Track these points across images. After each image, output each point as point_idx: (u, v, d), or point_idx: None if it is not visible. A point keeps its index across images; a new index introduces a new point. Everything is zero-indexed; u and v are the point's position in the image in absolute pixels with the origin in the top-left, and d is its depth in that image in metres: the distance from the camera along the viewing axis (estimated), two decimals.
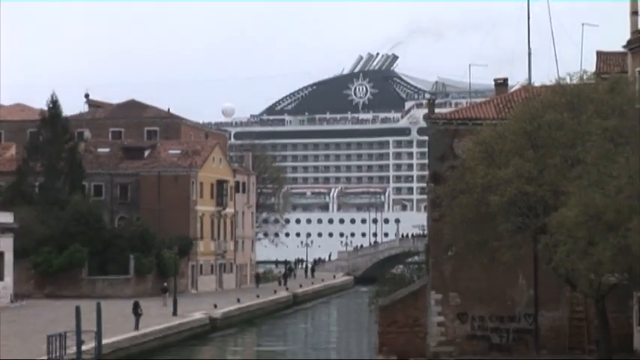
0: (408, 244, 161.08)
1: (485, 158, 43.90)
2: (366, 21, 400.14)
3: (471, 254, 46.30)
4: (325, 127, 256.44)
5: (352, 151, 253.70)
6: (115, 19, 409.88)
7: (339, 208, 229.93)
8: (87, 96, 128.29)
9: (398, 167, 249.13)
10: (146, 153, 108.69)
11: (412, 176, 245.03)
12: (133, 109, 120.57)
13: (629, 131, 40.14)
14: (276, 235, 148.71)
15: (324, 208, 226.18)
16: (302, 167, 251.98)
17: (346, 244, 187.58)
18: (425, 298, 51.46)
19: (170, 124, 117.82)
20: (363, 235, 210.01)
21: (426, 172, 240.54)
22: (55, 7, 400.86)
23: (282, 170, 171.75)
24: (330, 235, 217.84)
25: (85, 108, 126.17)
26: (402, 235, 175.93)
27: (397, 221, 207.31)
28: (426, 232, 65.45)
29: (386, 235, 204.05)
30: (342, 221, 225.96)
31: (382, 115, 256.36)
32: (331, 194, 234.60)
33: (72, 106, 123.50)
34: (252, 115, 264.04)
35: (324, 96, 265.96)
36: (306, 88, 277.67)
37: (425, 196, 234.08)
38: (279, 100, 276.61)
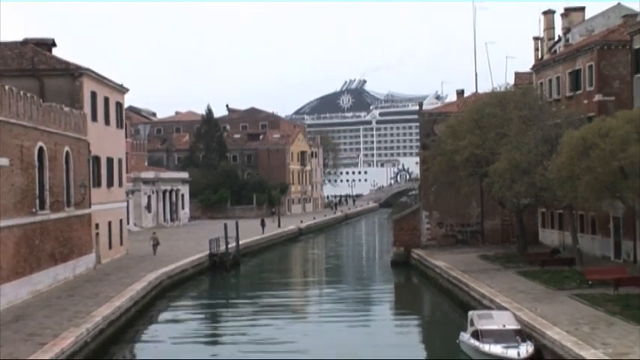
0: (409, 184, 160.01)
1: (451, 135, 43.26)
2: (349, 57, 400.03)
3: (445, 189, 45.94)
4: (326, 121, 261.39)
5: (340, 134, 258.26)
6: (241, 56, 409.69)
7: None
8: (227, 105, 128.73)
9: (365, 143, 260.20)
10: (260, 137, 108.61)
11: (373, 147, 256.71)
12: (253, 112, 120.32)
13: (534, 118, 39.58)
14: (335, 180, 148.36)
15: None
16: None
17: (373, 185, 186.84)
18: (419, 215, 51.06)
19: (274, 120, 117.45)
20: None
21: (381, 145, 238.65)
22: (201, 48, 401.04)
23: (338, 145, 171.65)
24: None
25: (226, 112, 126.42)
26: (405, 179, 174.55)
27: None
28: (419, 177, 64.75)
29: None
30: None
31: (357, 114, 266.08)
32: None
33: (219, 111, 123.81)
34: (286, 115, 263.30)
35: (326, 104, 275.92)
36: (315, 99, 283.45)
37: (380, 158, 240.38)
38: (301, 107, 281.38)
